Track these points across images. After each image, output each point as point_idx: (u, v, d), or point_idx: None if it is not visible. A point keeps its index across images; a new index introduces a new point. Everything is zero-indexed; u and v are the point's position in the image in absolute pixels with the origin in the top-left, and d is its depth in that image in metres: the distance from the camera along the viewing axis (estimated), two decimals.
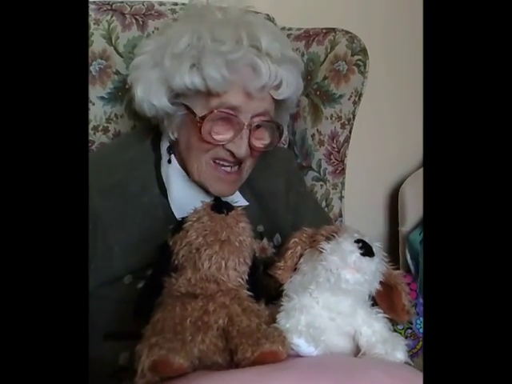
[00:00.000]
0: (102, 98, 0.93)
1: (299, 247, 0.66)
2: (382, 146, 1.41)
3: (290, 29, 1.05)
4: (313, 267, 0.62)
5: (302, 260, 0.65)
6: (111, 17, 0.92)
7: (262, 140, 0.79)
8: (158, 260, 0.63)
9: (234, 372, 0.52)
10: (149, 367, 0.50)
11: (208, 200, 0.65)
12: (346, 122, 1.01)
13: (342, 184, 1.05)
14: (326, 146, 1.02)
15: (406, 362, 0.60)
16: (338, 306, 0.60)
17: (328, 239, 0.62)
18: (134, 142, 0.84)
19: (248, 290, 0.61)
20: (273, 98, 0.77)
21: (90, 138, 0.93)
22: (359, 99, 1.00)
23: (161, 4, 0.96)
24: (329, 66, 0.99)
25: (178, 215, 0.74)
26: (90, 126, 0.93)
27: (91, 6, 0.90)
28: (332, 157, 1.03)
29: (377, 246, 0.62)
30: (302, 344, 0.56)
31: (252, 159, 0.79)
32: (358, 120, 1.02)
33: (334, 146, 1.02)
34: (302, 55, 1.00)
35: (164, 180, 0.80)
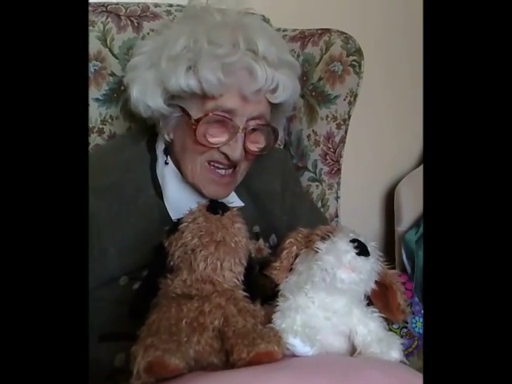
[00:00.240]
0: (97, 99, 0.93)
1: (295, 247, 0.66)
2: (377, 147, 1.41)
3: (285, 30, 1.05)
4: (308, 267, 0.62)
5: (297, 260, 0.65)
6: (106, 18, 0.92)
7: (257, 143, 0.79)
8: (154, 261, 0.63)
9: (229, 372, 0.52)
10: (144, 368, 0.50)
11: (203, 201, 0.65)
12: (342, 123, 1.01)
13: (338, 184, 1.05)
14: (322, 147, 1.03)
15: (402, 361, 0.60)
16: (333, 306, 0.60)
17: (323, 239, 0.62)
18: (129, 144, 0.84)
19: (244, 290, 0.61)
20: (269, 102, 0.77)
21: None
22: (354, 100, 1.00)
23: (156, 6, 0.97)
24: (324, 67, 0.99)
25: (174, 216, 0.74)
26: None
27: None
28: (328, 157, 1.03)
29: (372, 246, 0.62)
30: (297, 344, 0.56)
31: (247, 162, 0.79)
32: (354, 120, 1.02)
33: (330, 146, 1.02)
34: (298, 56, 1.01)
35: (159, 181, 0.80)
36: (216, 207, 0.62)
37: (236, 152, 0.74)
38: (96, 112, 0.94)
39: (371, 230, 1.43)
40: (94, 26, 0.90)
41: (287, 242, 0.67)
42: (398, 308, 0.64)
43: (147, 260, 0.64)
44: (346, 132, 1.02)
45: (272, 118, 0.81)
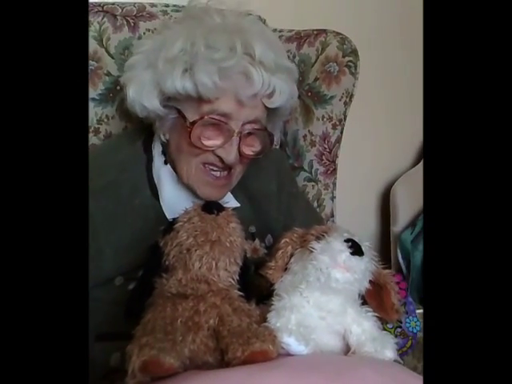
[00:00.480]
0: (93, 99, 0.93)
1: (290, 247, 0.66)
2: (373, 147, 1.42)
3: (281, 30, 1.05)
4: (303, 267, 0.62)
5: (292, 260, 0.65)
6: (102, 18, 0.92)
7: (253, 147, 0.78)
8: (149, 261, 0.63)
9: (224, 371, 0.52)
10: (139, 367, 0.50)
11: (199, 201, 0.65)
12: (338, 123, 1.02)
13: (334, 184, 1.06)
14: (318, 147, 1.03)
15: (396, 361, 0.61)
16: (328, 305, 0.61)
17: (318, 239, 0.63)
18: (125, 144, 0.84)
19: (239, 289, 0.61)
20: (265, 106, 0.77)
21: None
22: (350, 100, 1.00)
23: (152, 6, 0.97)
24: (320, 68, 1.00)
25: (170, 216, 0.74)
26: None
27: None
28: (323, 157, 1.03)
29: (366, 246, 0.63)
30: (292, 343, 0.56)
31: (242, 165, 0.79)
32: (350, 121, 1.03)
33: (326, 146, 1.03)
34: (294, 56, 1.01)
35: (155, 181, 0.80)
36: (211, 207, 0.62)
37: (231, 155, 0.74)
38: (92, 112, 0.94)
39: (367, 230, 1.43)
40: (90, 26, 0.90)
41: (282, 241, 0.67)
42: (392, 307, 0.65)
43: (143, 260, 0.64)
44: (341, 132, 1.02)
45: (268, 122, 0.81)
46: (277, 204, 0.89)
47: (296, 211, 0.91)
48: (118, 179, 0.77)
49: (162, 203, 0.79)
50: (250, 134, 0.77)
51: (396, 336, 0.69)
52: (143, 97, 0.76)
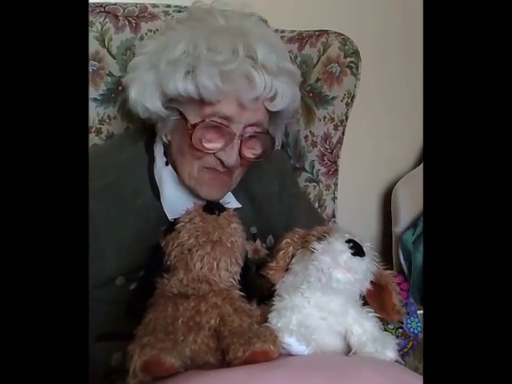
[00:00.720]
0: (94, 99, 0.93)
1: (291, 248, 0.66)
2: (375, 147, 1.42)
3: (283, 31, 1.05)
4: (304, 267, 0.62)
5: (293, 260, 0.65)
6: (104, 19, 0.92)
7: (254, 150, 0.78)
8: (150, 261, 0.63)
9: (225, 371, 0.52)
10: (141, 367, 0.50)
11: (200, 201, 0.66)
12: (339, 124, 1.02)
13: (335, 185, 1.05)
14: (319, 148, 1.03)
15: (397, 361, 0.61)
16: (329, 306, 0.61)
17: (319, 239, 0.63)
18: (127, 144, 0.84)
19: (240, 290, 0.61)
20: (267, 109, 0.77)
21: None
22: (352, 101, 1.01)
23: (154, 6, 0.97)
24: (322, 68, 1.00)
25: (171, 217, 0.74)
26: None
27: None
28: (325, 158, 1.03)
29: (367, 246, 0.63)
30: (293, 343, 0.56)
31: (242, 168, 0.79)
32: (351, 121, 1.03)
33: (327, 147, 1.03)
34: (295, 57, 1.01)
35: (157, 182, 0.80)
36: (212, 207, 0.62)
37: (231, 158, 0.74)
38: (94, 112, 0.94)
39: (368, 231, 1.43)
40: (92, 27, 0.91)
41: (283, 242, 0.67)
42: (393, 308, 0.65)
43: (144, 261, 0.64)
44: (343, 133, 1.02)
45: (270, 125, 0.81)
46: (278, 205, 0.89)
47: (297, 212, 0.91)
48: (119, 180, 0.77)
49: (163, 204, 0.79)
50: (251, 137, 0.77)
51: (397, 337, 0.69)
52: (145, 98, 0.76)
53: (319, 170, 1.04)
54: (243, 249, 0.64)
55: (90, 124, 0.94)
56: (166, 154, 0.81)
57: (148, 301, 0.59)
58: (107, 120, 0.95)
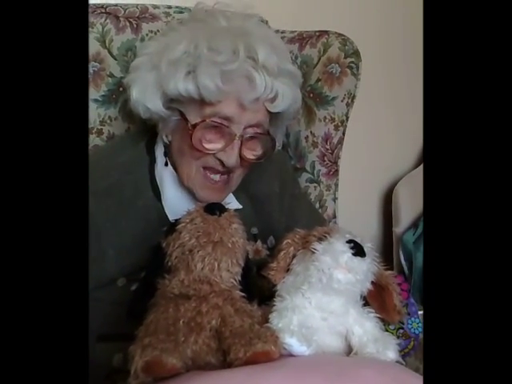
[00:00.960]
0: (95, 100, 0.94)
1: (292, 248, 0.66)
2: (375, 148, 1.42)
3: (283, 31, 1.05)
4: (305, 268, 0.62)
5: (294, 261, 0.66)
6: (105, 20, 0.92)
7: (254, 151, 0.78)
8: (152, 262, 0.63)
9: (226, 372, 0.53)
10: (142, 368, 0.50)
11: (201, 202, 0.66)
12: (340, 124, 1.02)
13: (336, 185, 1.05)
14: (320, 148, 1.03)
15: (398, 361, 0.61)
16: (330, 306, 0.61)
17: (320, 240, 0.63)
18: (128, 145, 0.84)
19: (241, 290, 0.61)
20: (268, 110, 0.76)
21: None
22: (352, 101, 1.01)
23: (155, 7, 0.97)
24: (322, 69, 1.00)
25: (172, 218, 0.74)
26: None
27: None
28: (325, 158, 1.03)
29: (368, 247, 0.63)
30: (294, 343, 0.56)
31: (242, 169, 0.79)
32: (352, 122, 1.03)
33: (328, 147, 1.03)
34: (296, 58, 1.01)
35: (158, 183, 0.80)
36: (213, 208, 0.62)
37: (231, 159, 0.74)
38: (95, 113, 0.94)
39: (369, 231, 1.43)
40: (92, 28, 0.91)
41: (284, 242, 0.67)
42: (394, 309, 0.65)
43: (145, 261, 0.64)
44: (343, 133, 1.02)
45: (271, 126, 0.80)
46: (279, 205, 0.89)
47: (298, 212, 0.91)
48: (120, 180, 0.78)
49: (164, 204, 0.79)
50: (251, 137, 0.77)
51: (398, 337, 0.69)
52: (146, 98, 0.77)
53: (320, 170, 1.04)
54: (244, 249, 0.64)
55: (91, 125, 0.94)
56: (167, 154, 0.82)
57: (149, 302, 0.60)
58: (108, 121, 0.95)
